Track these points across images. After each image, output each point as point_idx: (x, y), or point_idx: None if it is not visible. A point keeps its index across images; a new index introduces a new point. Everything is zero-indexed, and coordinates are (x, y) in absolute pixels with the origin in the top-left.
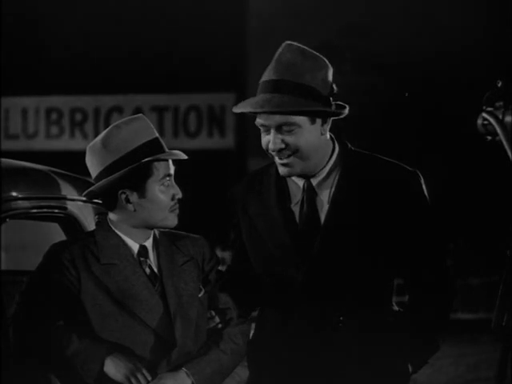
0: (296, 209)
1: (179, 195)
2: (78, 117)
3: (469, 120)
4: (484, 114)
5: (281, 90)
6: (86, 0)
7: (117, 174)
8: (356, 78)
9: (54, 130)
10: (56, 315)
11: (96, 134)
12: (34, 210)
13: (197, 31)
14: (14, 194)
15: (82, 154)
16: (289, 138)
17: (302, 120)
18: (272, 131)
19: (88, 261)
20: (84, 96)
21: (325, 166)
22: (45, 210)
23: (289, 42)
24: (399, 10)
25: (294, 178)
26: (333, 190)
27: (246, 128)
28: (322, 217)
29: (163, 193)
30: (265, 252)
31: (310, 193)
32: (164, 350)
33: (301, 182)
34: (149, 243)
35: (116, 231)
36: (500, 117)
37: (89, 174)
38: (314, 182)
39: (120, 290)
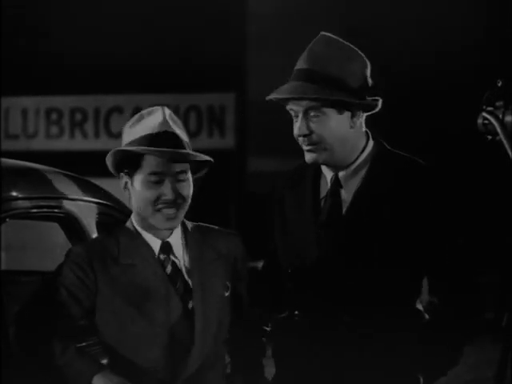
0: (323, 201)
1: (166, 196)
2: (78, 117)
3: (469, 119)
4: (484, 114)
5: (308, 78)
6: (85, 0)
7: (108, 155)
8: None
9: (54, 130)
10: (62, 318)
11: (96, 134)
12: (34, 210)
13: (196, 31)
14: (14, 193)
15: (82, 153)
16: (314, 125)
17: (328, 109)
18: (299, 116)
19: (106, 262)
20: (84, 96)
21: (354, 161)
22: (45, 209)
23: (323, 32)
24: (400, 10)
25: (324, 171)
26: (358, 185)
27: (247, 128)
28: (345, 211)
29: (148, 189)
30: (290, 244)
31: (336, 186)
32: (183, 352)
33: (329, 176)
34: (175, 238)
35: (138, 228)
36: (500, 116)
37: (89, 174)
38: (341, 176)
39: (138, 291)
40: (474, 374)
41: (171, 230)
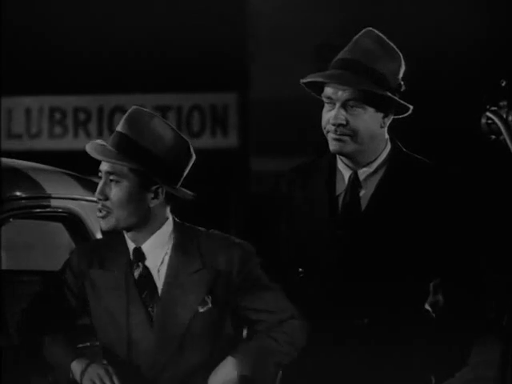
0: (340, 199)
1: (97, 196)
2: (82, 116)
3: (472, 119)
4: (488, 114)
5: (353, 68)
6: None
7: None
8: None
9: (58, 129)
10: (54, 317)
11: (99, 134)
12: (38, 210)
13: (199, 30)
14: (18, 193)
15: (86, 153)
16: (350, 117)
17: (367, 103)
18: (337, 105)
19: (92, 266)
20: (87, 95)
21: (374, 161)
22: (48, 209)
23: (370, 28)
24: (401, 8)
25: (341, 168)
26: (377, 185)
27: (250, 127)
28: (364, 209)
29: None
30: (301, 243)
31: (355, 184)
32: (145, 358)
33: (347, 174)
34: (150, 244)
35: (124, 232)
36: (504, 116)
37: (92, 174)
38: (361, 174)
39: (110, 297)
40: (475, 373)
41: (106, 230)
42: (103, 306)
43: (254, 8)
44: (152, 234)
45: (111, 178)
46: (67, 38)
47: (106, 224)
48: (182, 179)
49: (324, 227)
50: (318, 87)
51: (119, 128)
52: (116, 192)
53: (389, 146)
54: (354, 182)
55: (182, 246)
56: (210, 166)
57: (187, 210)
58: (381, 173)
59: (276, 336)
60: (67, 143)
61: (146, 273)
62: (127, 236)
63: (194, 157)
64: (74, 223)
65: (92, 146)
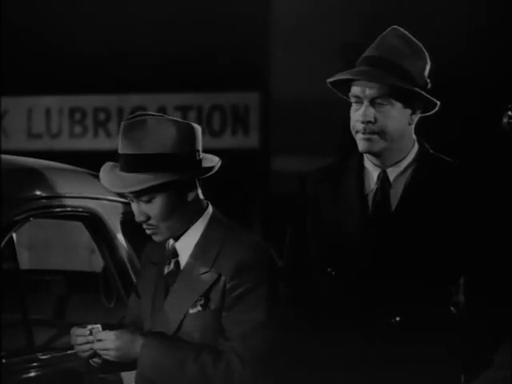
0: (369, 198)
1: (138, 220)
2: (102, 116)
3: (487, 120)
4: (510, 113)
5: (380, 65)
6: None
7: None
8: None
9: (78, 129)
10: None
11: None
12: (58, 209)
13: (220, 31)
14: (38, 193)
15: (106, 153)
16: (378, 114)
17: (395, 99)
18: (365, 103)
19: (146, 259)
20: (107, 95)
21: (402, 160)
22: (69, 209)
23: (395, 26)
24: (422, 9)
25: (369, 167)
26: (407, 184)
27: (271, 128)
28: (394, 208)
29: None
30: (331, 243)
31: (385, 183)
32: None
33: (376, 173)
34: (183, 243)
35: None
36: None
37: None
38: (390, 173)
39: (146, 293)
40: (502, 373)
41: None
42: (144, 300)
43: (277, 8)
44: (187, 229)
45: (144, 198)
46: (87, 38)
47: (160, 238)
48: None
49: (354, 226)
50: (345, 87)
51: (125, 150)
52: (155, 209)
53: (416, 146)
54: (384, 181)
55: (203, 245)
56: (230, 166)
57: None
58: (409, 172)
59: (214, 364)
60: (87, 143)
61: (176, 270)
62: None
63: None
64: (94, 223)
65: (109, 179)
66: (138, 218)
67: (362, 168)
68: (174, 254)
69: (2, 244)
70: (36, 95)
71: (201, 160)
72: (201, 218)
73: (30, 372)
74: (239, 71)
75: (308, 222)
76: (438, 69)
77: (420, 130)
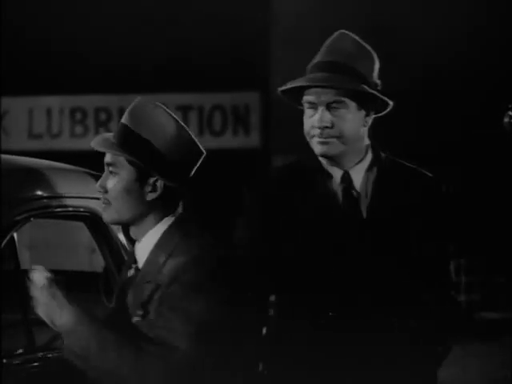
0: (335, 200)
1: (97, 188)
2: (103, 116)
3: (487, 120)
4: (510, 113)
5: (336, 70)
6: (112, 0)
7: None
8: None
9: (79, 129)
10: None
11: None
12: (59, 209)
13: (220, 31)
14: (39, 192)
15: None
16: (334, 119)
17: (350, 101)
18: (320, 109)
19: (127, 260)
20: (108, 95)
21: (360, 162)
22: (70, 209)
23: (342, 30)
24: (424, 10)
25: (331, 170)
26: (371, 186)
27: (271, 127)
28: (363, 211)
29: None
30: (310, 247)
31: (348, 183)
32: None
33: (339, 174)
34: (142, 245)
35: None
36: None
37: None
38: (352, 172)
39: (116, 298)
40: (502, 373)
41: (108, 222)
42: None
43: (277, 8)
44: (147, 231)
45: (111, 169)
46: (88, 38)
47: (106, 216)
48: (190, 174)
49: (325, 232)
50: (296, 94)
51: (122, 119)
52: (113, 183)
53: (370, 148)
54: (347, 182)
55: (156, 253)
56: (231, 165)
57: (206, 209)
58: (370, 174)
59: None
60: (88, 143)
61: (135, 275)
62: (130, 232)
63: (203, 152)
64: (95, 223)
65: (96, 139)
66: (98, 187)
67: (324, 171)
68: (134, 259)
69: (3, 244)
70: (37, 95)
71: (185, 174)
72: (160, 223)
73: (30, 372)
74: (240, 71)
75: (280, 222)
76: (438, 69)
77: (420, 130)
